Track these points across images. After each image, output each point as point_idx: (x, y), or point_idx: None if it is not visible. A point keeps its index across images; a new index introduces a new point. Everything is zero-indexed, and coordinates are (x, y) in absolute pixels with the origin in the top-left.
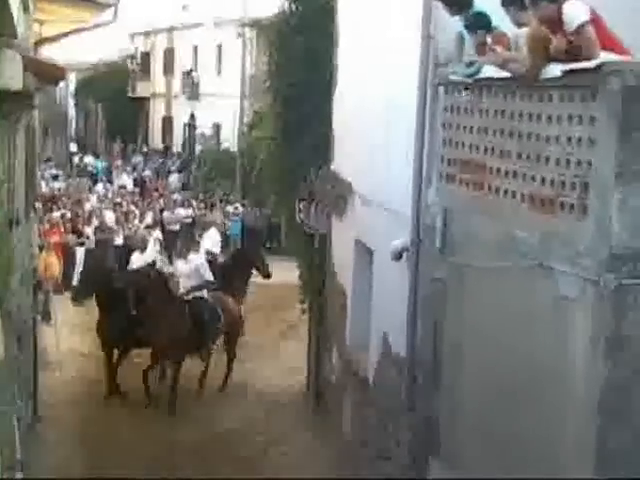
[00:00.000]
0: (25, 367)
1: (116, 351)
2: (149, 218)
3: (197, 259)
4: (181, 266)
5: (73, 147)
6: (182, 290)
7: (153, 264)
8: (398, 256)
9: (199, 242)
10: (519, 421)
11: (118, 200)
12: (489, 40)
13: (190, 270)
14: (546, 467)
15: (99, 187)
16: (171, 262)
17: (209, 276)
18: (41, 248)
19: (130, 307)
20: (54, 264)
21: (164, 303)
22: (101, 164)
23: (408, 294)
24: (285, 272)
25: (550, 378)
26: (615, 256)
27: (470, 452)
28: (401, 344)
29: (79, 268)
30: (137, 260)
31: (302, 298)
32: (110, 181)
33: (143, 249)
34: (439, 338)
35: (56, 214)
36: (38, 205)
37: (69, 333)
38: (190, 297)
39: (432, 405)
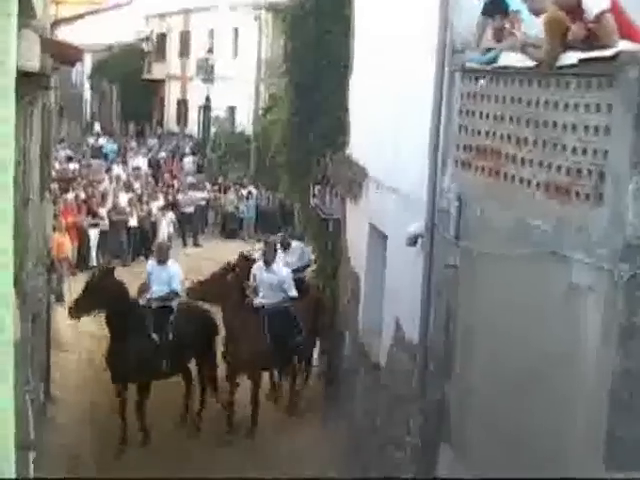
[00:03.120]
0: (38, 348)
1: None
2: (163, 200)
3: (283, 271)
4: (265, 276)
5: (97, 127)
6: (262, 301)
7: (232, 268)
8: (412, 242)
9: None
10: (529, 409)
11: (132, 182)
12: (507, 25)
13: (274, 282)
14: (556, 456)
15: (113, 169)
16: (185, 243)
17: (293, 293)
18: (54, 229)
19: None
20: (66, 244)
21: (239, 310)
22: (115, 146)
23: (421, 280)
24: None
25: (561, 366)
26: (629, 245)
27: (480, 439)
28: (414, 330)
29: (94, 249)
30: None
31: (315, 282)
32: (125, 163)
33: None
34: (451, 324)
35: (70, 195)
36: (53, 186)
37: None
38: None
39: (443, 392)
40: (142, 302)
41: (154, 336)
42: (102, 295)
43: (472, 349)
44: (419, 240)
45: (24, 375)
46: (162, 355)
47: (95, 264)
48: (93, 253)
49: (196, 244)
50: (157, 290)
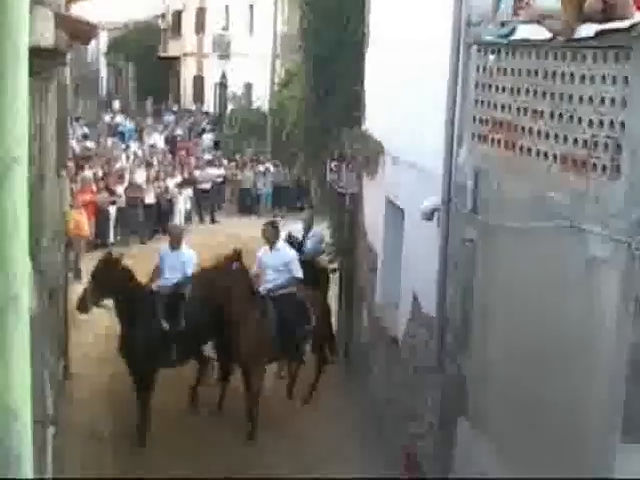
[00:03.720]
0: (57, 324)
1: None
2: (180, 177)
3: (288, 251)
4: (268, 257)
5: (116, 104)
6: (267, 286)
7: (238, 256)
8: (429, 216)
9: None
10: (547, 382)
11: (149, 159)
12: None
13: (279, 263)
14: (573, 431)
15: (130, 146)
16: (202, 220)
17: (300, 274)
18: (71, 207)
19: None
20: (83, 222)
21: (248, 303)
22: (132, 123)
23: (438, 254)
24: None
25: (579, 339)
26: None
27: (498, 412)
28: (431, 304)
29: (112, 227)
30: None
31: (332, 257)
32: (141, 140)
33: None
34: (468, 298)
35: (87, 173)
36: (70, 164)
37: None
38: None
39: (461, 365)
40: (154, 288)
41: (164, 324)
42: (109, 285)
43: (489, 322)
44: (435, 214)
45: (42, 351)
46: (173, 343)
47: (113, 241)
48: (111, 230)
49: (213, 220)
50: (170, 277)
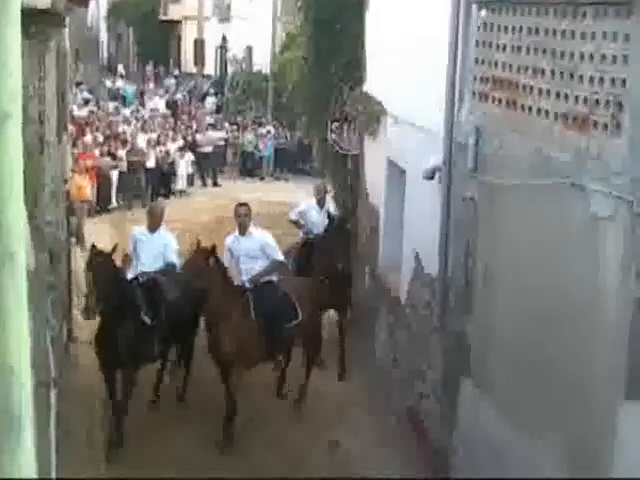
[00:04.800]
0: (59, 288)
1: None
2: (181, 141)
3: (262, 235)
4: (242, 244)
5: (120, 68)
6: (245, 277)
7: (213, 250)
8: (430, 175)
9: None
10: (549, 342)
11: (150, 123)
12: None
13: (254, 249)
14: (576, 391)
15: (131, 110)
16: (204, 183)
17: (279, 256)
18: (73, 172)
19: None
20: (86, 187)
21: (225, 298)
22: (133, 88)
23: (440, 213)
24: None
25: (581, 298)
26: None
27: (501, 373)
28: (433, 264)
29: (114, 191)
30: None
31: None
32: (142, 104)
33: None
34: (470, 257)
35: (89, 137)
36: (71, 128)
37: None
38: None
39: (463, 326)
40: (130, 275)
41: (145, 317)
42: (108, 288)
43: (492, 282)
44: (437, 173)
45: (44, 313)
46: (155, 337)
47: (115, 205)
48: (113, 195)
49: (215, 184)
50: (148, 263)
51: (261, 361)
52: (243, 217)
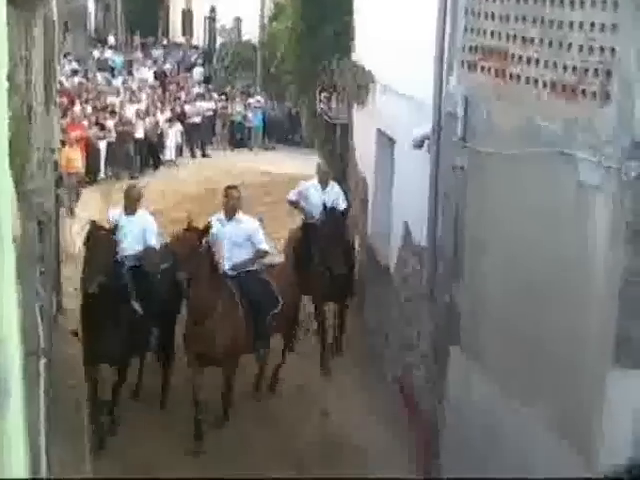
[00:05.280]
0: (48, 258)
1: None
2: (170, 111)
3: (250, 222)
4: (228, 229)
5: (111, 39)
6: (227, 264)
7: (205, 231)
8: (419, 144)
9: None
10: (538, 310)
11: (139, 94)
12: None
13: (240, 235)
14: (566, 359)
15: (119, 81)
16: (193, 154)
17: (264, 246)
18: (63, 143)
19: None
20: (76, 159)
21: (211, 286)
22: (121, 58)
23: (429, 182)
24: (307, 163)
25: (570, 267)
26: (637, 144)
27: (491, 342)
28: (422, 233)
29: (102, 162)
30: None
31: None
32: (131, 75)
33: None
34: (460, 227)
35: (77, 108)
36: (59, 99)
37: None
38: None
39: (453, 295)
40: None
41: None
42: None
43: (480, 250)
44: (426, 143)
45: (32, 282)
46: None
47: (104, 176)
48: (102, 166)
49: (204, 154)
50: (128, 247)
51: (247, 352)
52: (233, 200)
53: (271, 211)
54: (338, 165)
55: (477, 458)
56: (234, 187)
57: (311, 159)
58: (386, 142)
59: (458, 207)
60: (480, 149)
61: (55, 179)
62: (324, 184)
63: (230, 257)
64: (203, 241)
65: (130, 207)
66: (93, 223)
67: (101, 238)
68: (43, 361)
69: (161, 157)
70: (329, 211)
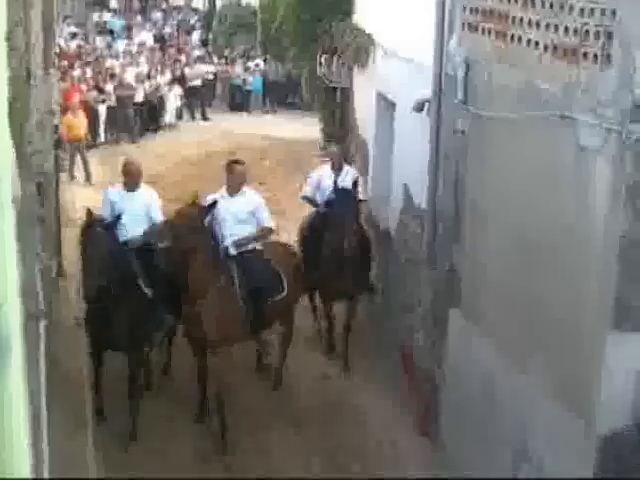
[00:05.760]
0: (48, 222)
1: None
2: (170, 75)
3: (254, 197)
4: (230, 205)
5: (113, 2)
6: (228, 241)
7: (211, 207)
8: (420, 108)
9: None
10: (538, 273)
11: (138, 57)
12: None
13: (244, 210)
14: (565, 322)
15: (119, 44)
16: (193, 117)
17: (269, 222)
18: (65, 110)
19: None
20: (78, 126)
21: (207, 267)
22: (121, 22)
23: (429, 146)
24: (307, 127)
25: (570, 230)
26: (638, 106)
27: (490, 305)
28: (422, 196)
29: (102, 126)
30: None
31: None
32: (130, 38)
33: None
34: (460, 190)
35: (77, 72)
36: (58, 63)
37: (94, 192)
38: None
39: (453, 258)
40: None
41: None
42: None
43: (481, 214)
44: (426, 106)
45: (32, 242)
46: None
47: (103, 140)
48: (102, 130)
49: (204, 118)
50: (129, 227)
51: (244, 340)
52: (239, 176)
53: (270, 174)
54: (338, 129)
55: (476, 421)
56: (238, 162)
57: (311, 123)
58: (386, 105)
59: (458, 170)
60: (481, 112)
61: (54, 141)
62: (338, 169)
63: (232, 234)
64: (205, 220)
65: (130, 182)
66: (89, 213)
67: (97, 236)
68: (43, 323)
69: (161, 120)
70: (340, 191)
